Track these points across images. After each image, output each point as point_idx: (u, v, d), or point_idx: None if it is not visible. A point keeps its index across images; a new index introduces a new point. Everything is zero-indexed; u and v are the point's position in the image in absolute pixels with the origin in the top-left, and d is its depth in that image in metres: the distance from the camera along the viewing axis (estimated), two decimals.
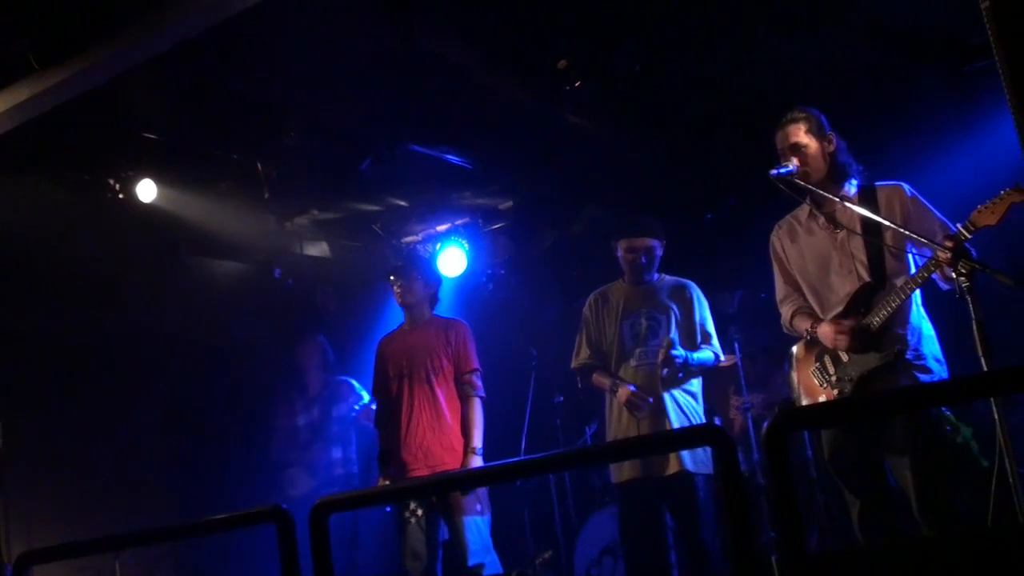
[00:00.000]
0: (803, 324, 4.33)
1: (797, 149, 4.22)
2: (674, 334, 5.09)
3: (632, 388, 5.04)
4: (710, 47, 5.50)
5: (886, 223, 4.01)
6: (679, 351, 5.00)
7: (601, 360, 5.28)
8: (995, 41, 2.52)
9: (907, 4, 5.32)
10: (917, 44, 5.68)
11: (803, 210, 4.38)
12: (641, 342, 5.13)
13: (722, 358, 5.23)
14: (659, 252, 5.27)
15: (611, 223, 5.58)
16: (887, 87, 5.92)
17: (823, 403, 4.15)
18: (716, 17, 5.22)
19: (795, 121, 4.26)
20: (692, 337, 5.15)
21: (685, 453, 4.87)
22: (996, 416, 3.53)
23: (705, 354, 5.13)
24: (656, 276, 5.31)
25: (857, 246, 4.19)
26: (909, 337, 4.10)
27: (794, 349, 4.43)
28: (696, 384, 5.17)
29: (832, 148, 4.25)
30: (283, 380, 7.07)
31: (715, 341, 5.21)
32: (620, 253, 5.28)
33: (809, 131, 4.23)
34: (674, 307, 5.16)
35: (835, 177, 4.25)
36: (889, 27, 5.48)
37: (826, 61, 5.64)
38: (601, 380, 5.25)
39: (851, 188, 4.26)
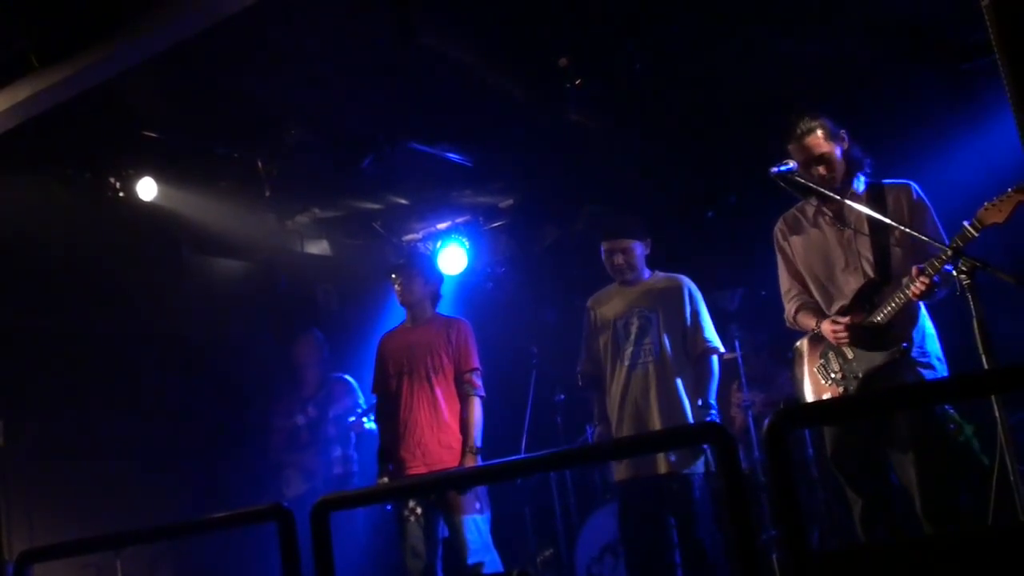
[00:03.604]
0: (808, 320, 4.31)
1: (824, 159, 4.18)
2: (664, 333, 5.08)
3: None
4: (710, 46, 5.50)
5: (892, 223, 4.00)
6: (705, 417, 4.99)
7: (597, 368, 5.30)
8: (996, 39, 2.52)
9: (906, 2, 5.32)
10: (916, 42, 5.67)
11: (810, 205, 4.35)
12: (633, 342, 5.13)
13: (721, 348, 5.17)
14: (641, 251, 5.24)
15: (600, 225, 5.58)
16: (886, 85, 5.92)
17: (824, 401, 4.15)
18: (716, 15, 5.22)
19: (812, 131, 4.18)
20: (683, 331, 5.11)
21: (671, 453, 4.87)
22: (997, 414, 3.54)
23: (709, 378, 5.06)
24: (648, 274, 5.29)
25: (863, 244, 4.18)
26: (914, 335, 4.10)
27: (799, 344, 4.43)
28: (680, 384, 5.12)
29: (846, 146, 4.23)
30: (280, 378, 7.07)
31: (709, 333, 5.13)
32: (603, 256, 5.29)
33: (827, 137, 4.19)
34: (664, 303, 5.14)
35: (851, 173, 4.24)
36: (888, 25, 5.49)
37: (825, 59, 5.64)
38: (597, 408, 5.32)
39: (859, 185, 4.26)
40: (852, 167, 4.25)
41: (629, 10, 5.15)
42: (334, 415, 6.68)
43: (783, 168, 4.19)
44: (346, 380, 6.77)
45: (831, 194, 4.19)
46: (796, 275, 4.42)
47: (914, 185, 4.20)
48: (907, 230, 3.97)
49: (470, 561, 5.05)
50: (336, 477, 6.57)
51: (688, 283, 5.22)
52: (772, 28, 5.36)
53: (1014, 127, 2.49)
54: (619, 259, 5.21)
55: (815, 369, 4.30)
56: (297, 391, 6.89)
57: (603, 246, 5.27)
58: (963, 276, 3.65)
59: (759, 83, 5.78)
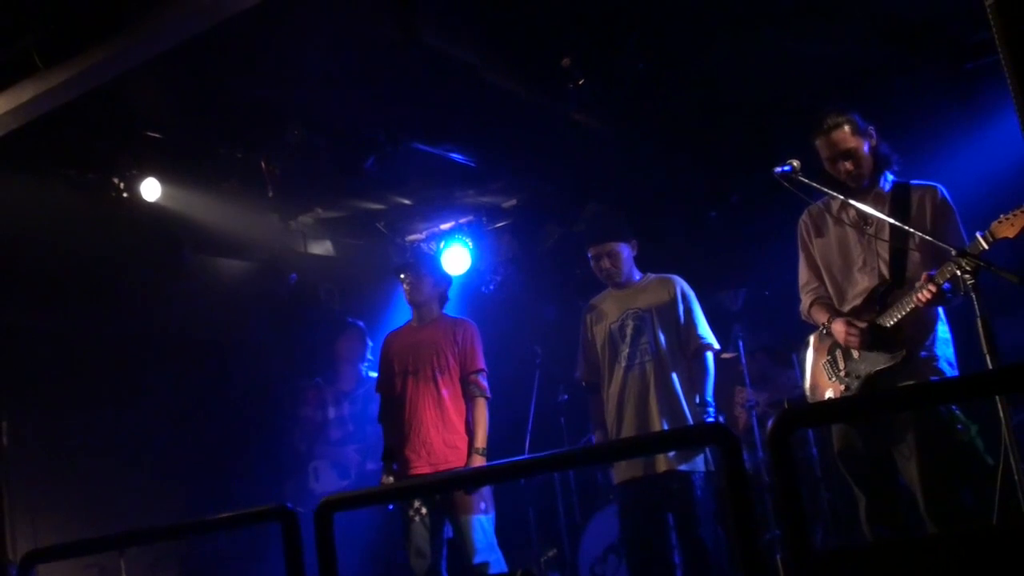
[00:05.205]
0: (821, 316, 4.30)
1: (850, 155, 4.14)
2: (660, 332, 5.08)
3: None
4: (713, 45, 5.49)
5: (909, 228, 3.97)
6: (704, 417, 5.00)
7: (594, 374, 5.30)
8: (1000, 38, 2.52)
9: (909, 1, 5.31)
10: (919, 41, 5.67)
11: (836, 200, 4.30)
12: (629, 343, 5.13)
13: (716, 345, 5.17)
14: (627, 253, 5.24)
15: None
16: (889, 84, 5.91)
17: (828, 401, 4.16)
18: (719, 15, 5.22)
19: (839, 126, 4.14)
20: (677, 329, 5.11)
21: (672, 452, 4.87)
22: (1001, 414, 3.53)
23: (705, 375, 5.07)
24: (639, 276, 5.29)
25: (883, 244, 4.16)
26: (923, 339, 4.08)
27: (811, 338, 4.44)
28: (679, 382, 5.11)
29: (874, 142, 4.20)
30: (316, 369, 7.06)
31: (703, 330, 5.14)
32: (592, 263, 5.29)
33: (854, 132, 4.15)
34: (658, 303, 5.14)
35: (879, 170, 4.21)
36: (890, 24, 5.48)
37: (828, 58, 5.64)
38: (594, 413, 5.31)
39: (885, 183, 4.24)
40: (880, 164, 4.21)
41: (631, 10, 5.14)
42: (373, 416, 6.67)
43: (786, 168, 4.18)
44: None
45: (835, 193, 4.17)
46: (815, 269, 4.41)
47: (941, 187, 4.16)
48: (919, 233, 3.94)
49: (475, 561, 5.05)
50: (371, 473, 6.55)
51: (680, 282, 5.23)
52: (775, 28, 5.35)
53: (1017, 126, 2.49)
54: (606, 263, 5.21)
55: (821, 365, 4.31)
56: (332, 384, 6.88)
57: (589, 252, 5.27)
58: (967, 276, 3.65)
59: (762, 83, 5.78)
